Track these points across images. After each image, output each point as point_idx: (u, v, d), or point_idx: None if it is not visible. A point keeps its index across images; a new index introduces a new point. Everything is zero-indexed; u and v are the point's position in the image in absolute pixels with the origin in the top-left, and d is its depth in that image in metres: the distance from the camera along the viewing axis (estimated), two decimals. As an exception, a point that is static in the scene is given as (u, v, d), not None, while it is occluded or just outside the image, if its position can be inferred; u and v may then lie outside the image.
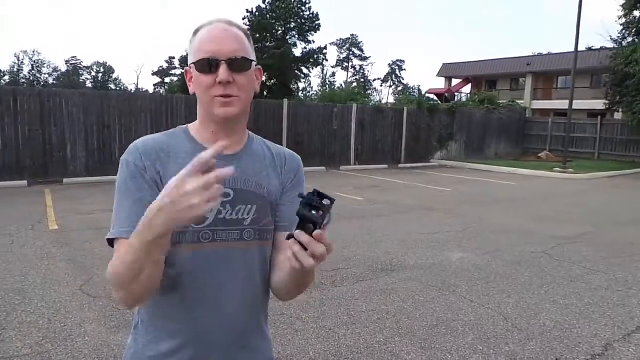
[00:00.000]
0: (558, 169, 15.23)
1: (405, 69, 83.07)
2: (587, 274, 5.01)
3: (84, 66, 71.22)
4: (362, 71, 66.50)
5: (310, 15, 36.50)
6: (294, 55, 35.30)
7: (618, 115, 22.06)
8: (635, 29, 19.41)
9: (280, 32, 35.85)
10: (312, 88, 47.05)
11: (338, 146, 15.69)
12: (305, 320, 3.72)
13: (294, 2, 35.67)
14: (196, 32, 1.04)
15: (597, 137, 20.47)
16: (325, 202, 0.82)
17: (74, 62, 69.86)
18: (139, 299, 0.95)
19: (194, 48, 1.02)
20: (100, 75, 71.81)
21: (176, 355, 1.03)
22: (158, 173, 1.00)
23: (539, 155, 20.01)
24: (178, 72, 57.25)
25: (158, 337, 1.04)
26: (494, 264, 5.28)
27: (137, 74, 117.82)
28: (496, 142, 20.53)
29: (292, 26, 36.26)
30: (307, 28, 36.55)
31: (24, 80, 61.37)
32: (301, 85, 40.91)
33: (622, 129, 19.88)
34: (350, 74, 66.01)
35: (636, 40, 19.28)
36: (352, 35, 66.16)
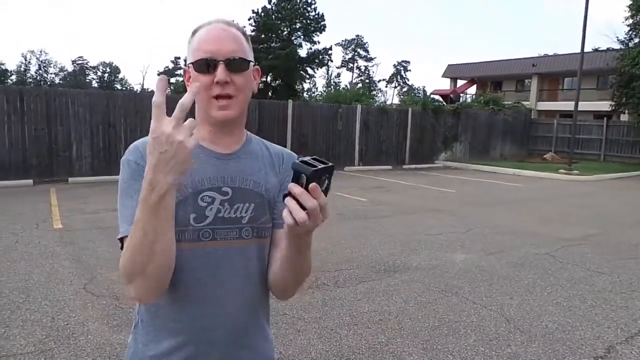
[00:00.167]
0: (563, 170, 15.16)
1: (410, 70, 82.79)
2: (590, 276, 4.99)
3: (90, 66, 71.59)
4: (367, 72, 66.49)
5: (316, 16, 36.53)
6: (299, 55, 35.32)
7: (624, 117, 21.92)
8: (642, 30, 19.30)
9: (285, 32, 35.89)
10: (317, 89, 47.12)
11: (342, 147, 15.69)
12: (307, 320, 3.73)
13: (300, 2, 35.71)
14: (195, 32, 1.05)
15: (602, 138, 20.36)
16: (317, 164, 0.83)
17: (80, 62, 70.24)
18: (156, 285, 0.92)
19: (192, 48, 1.03)
20: (106, 75, 72.12)
21: (176, 353, 1.04)
22: None
23: (544, 156, 19.92)
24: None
25: (158, 336, 1.05)
26: (497, 265, 5.27)
27: (142, 74, 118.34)
28: (501, 144, 20.46)
29: (297, 27, 36.30)
30: (312, 29, 36.58)
31: (30, 80, 61.75)
32: (306, 85, 40.93)
33: (628, 131, 19.77)
34: (355, 75, 66.01)
35: (643, 41, 19.16)
36: (358, 36, 66.34)
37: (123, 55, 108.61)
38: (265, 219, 1.08)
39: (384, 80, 69.43)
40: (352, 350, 3.27)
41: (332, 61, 39.53)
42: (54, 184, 10.42)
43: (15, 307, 3.79)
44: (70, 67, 69.58)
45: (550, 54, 30.15)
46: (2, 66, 58.86)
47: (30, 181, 10.40)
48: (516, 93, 30.78)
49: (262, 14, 34.94)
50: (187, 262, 0.99)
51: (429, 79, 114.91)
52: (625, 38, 19.80)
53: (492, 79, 33.16)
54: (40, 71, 65.70)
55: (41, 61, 65.87)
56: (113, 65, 72.63)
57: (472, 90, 33.63)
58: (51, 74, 66.67)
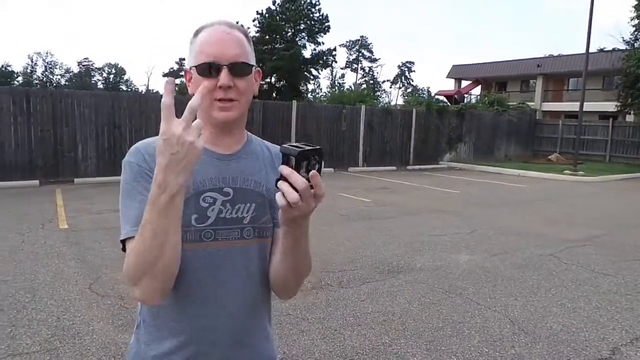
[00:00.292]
0: (568, 171, 15.10)
1: (414, 71, 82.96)
2: (595, 277, 4.97)
3: (96, 67, 71.92)
4: (371, 73, 66.43)
5: (320, 17, 36.55)
6: (304, 56, 35.35)
7: (630, 118, 21.81)
8: (647, 31, 19.21)
9: (289, 33, 35.93)
10: (321, 89, 47.09)
11: (346, 147, 15.69)
12: (311, 320, 3.74)
13: (304, 3, 35.75)
14: (197, 33, 1.05)
15: (608, 139, 20.26)
16: (305, 146, 0.85)
17: (86, 63, 70.58)
18: (162, 285, 0.92)
19: (195, 50, 1.03)
20: (111, 76, 72.45)
21: (178, 353, 1.04)
22: None
23: (549, 157, 19.85)
24: (188, 73, 57.45)
25: (160, 336, 1.05)
26: (501, 266, 5.26)
27: (147, 75, 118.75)
28: (506, 144, 20.40)
29: (301, 28, 36.34)
30: (316, 29, 36.61)
31: (37, 81, 62.12)
32: (310, 86, 40.95)
33: (633, 132, 19.67)
34: (359, 76, 65.98)
35: (649, 41, 19.08)
36: (362, 36, 66.29)
37: (128, 56, 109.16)
38: (266, 218, 1.09)
39: (388, 81, 69.40)
40: (356, 351, 3.28)
41: (336, 62, 39.58)
42: (60, 184, 10.48)
43: (22, 307, 3.82)
44: (76, 69, 69.99)
45: (555, 54, 30.03)
46: (8, 68, 59.24)
47: (37, 182, 10.46)
48: (521, 94, 30.67)
49: (267, 15, 34.99)
50: (189, 263, 1.00)
51: (434, 80, 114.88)
52: (630, 38, 19.73)
53: (497, 80, 33.06)
54: (46, 72, 66.09)
55: (47, 63, 66.28)
56: (118, 66, 73.00)
57: (477, 90, 33.55)
58: (57, 75, 67.09)
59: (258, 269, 1.09)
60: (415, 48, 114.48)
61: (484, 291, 4.48)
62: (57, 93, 11.54)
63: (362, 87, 45.94)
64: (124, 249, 0.99)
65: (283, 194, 0.83)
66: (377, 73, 70.01)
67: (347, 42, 64.45)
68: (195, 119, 0.84)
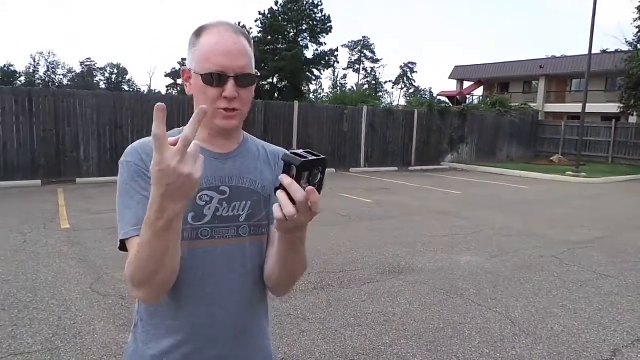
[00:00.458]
0: (570, 172, 15.06)
1: (416, 72, 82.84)
2: (597, 278, 4.96)
3: (98, 67, 72.13)
4: (373, 73, 66.47)
5: (322, 18, 36.61)
6: (306, 57, 35.40)
7: (633, 119, 21.78)
8: (650, 32, 19.17)
9: (292, 34, 35.99)
10: (323, 90, 47.11)
11: (348, 148, 15.69)
12: (312, 321, 3.74)
13: (306, 4, 35.79)
14: (199, 33, 1.03)
15: (611, 140, 20.22)
16: (309, 156, 0.82)
17: (88, 63, 70.77)
18: (163, 290, 0.96)
19: (199, 54, 1.01)
20: (113, 76, 72.62)
21: (176, 351, 1.05)
22: None
23: (551, 158, 19.81)
24: (190, 73, 57.51)
25: (158, 334, 1.06)
26: (502, 267, 5.25)
27: (150, 75, 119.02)
28: (508, 145, 20.37)
29: (303, 28, 36.39)
30: (318, 30, 36.66)
31: (39, 81, 62.29)
32: (312, 87, 40.98)
33: (636, 133, 19.62)
34: (361, 76, 66.01)
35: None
36: (364, 37, 66.27)
37: (130, 56, 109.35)
38: (261, 216, 1.09)
39: (390, 81, 69.50)
40: (357, 351, 3.28)
41: (338, 62, 39.66)
42: (62, 184, 10.50)
43: (23, 307, 3.83)
44: (78, 69, 70.20)
45: (558, 55, 29.95)
46: (11, 67, 59.45)
47: (39, 181, 10.48)
48: (523, 95, 30.63)
49: (269, 15, 35.04)
50: (186, 261, 1.00)
51: (436, 81, 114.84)
52: (633, 40, 19.72)
53: (499, 81, 33.02)
54: (49, 72, 66.30)
55: (50, 63, 66.49)
56: (120, 66, 73.18)
57: (479, 91, 33.51)
58: (59, 75, 67.29)
59: (254, 266, 1.10)
60: (418, 49, 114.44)
61: (485, 292, 4.47)
62: (59, 93, 11.55)
63: (364, 88, 45.94)
64: (120, 248, 1.00)
65: (280, 206, 0.82)
66: (379, 74, 69.97)
67: (349, 42, 64.59)
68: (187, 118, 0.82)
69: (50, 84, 61.93)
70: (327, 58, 36.92)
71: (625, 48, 20.04)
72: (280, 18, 34.99)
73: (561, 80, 30.10)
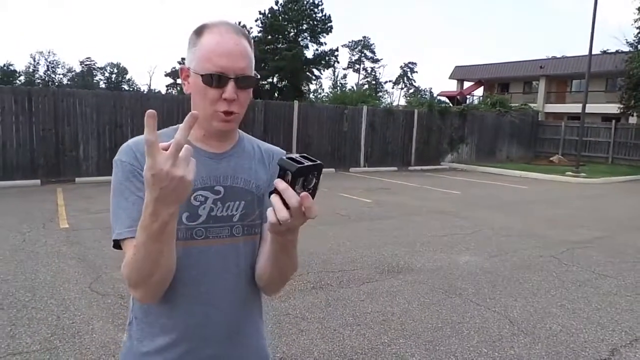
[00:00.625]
0: (570, 173, 15.07)
1: (417, 72, 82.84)
2: (596, 278, 4.96)
3: (98, 67, 72.14)
4: (373, 73, 66.47)
5: (322, 17, 36.60)
6: (306, 56, 35.40)
7: (633, 120, 21.79)
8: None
9: (292, 33, 36.00)
10: (323, 90, 47.11)
11: (348, 148, 15.69)
12: (310, 320, 3.74)
13: (307, 4, 35.79)
14: (199, 32, 1.02)
15: (610, 141, 20.22)
16: (306, 161, 0.82)
17: (88, 62, 70.78)
18: (159, 290, 0.97)
19: (200, 54, 1.00)
20: (113, 75, 72.62)
21: (170, 350, 1.05)
22: None
23: (551, 159, 19.81)
24: (190, 73, 57.58)
25: (152, 333, 1.06)
26: (501, 267, 5.25)
27: (150, 74, 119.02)
28: (508, 146, 20.37)
29: (304, 28, 36.39)
30: (319, 30, 36.66)
31: (39, 81, 62.28)
32: (312, 87, 40.97)
33: (636, 133, 19.63)
34: (361, 76, 66.01)
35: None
36: (364, 37, 66.30)
37: (130, 56, 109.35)
38: (254, 216, 1.10)
39: (390, 81, 69.53)
40: (355, 351, 3.28)
41: (338, 62, 39.67)
42: (61, 184, 10.50)
43: (22, 306, 3.83)
44: (78, 68, 70.20)
45: (559, 56, 29.97)
46: (10, 67, 59.45)
47: (38, 181, 10.48)
48: (523, 95, 30.63)
49: (269, 15, 35.03)
50: (180, 261, 1.00)
51: (436, 81, 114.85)
52: (634, 40, 19.73)
53: (500, 81, 33.03)
54: (49, 72, 66.29)
55: (49, 62, 66.48)
56: (120, 66, 73.16)
57: (479, 92, 33.53)
58: (59, 74, 67.29)
59: (248, 265, 1.10)
60: (418, 49, 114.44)
61: (484, 292, 4.47)
62: (59, 92, 11.54)
63: (364, 88, 45.95)
64: (114, 247, 1.01)
65: (274, 210, 0.82)
66: (379, 73, 70.03)
67: (349, 42, 64.59)
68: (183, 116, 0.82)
69: (50, 83, 61.93)
70: (327, 58, 36.93)
71: (626, 49, 20.04)
72: (280, 18, 35.00)
73: (561, 81, 30.11)
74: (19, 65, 75.66)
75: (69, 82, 64.98)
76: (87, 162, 11.32)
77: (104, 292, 4.19)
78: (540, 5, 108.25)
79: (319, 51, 36.71)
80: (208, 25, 1.02)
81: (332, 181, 11.98)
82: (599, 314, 4.03)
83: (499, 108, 20.12)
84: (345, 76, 62.38)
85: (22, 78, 60.99)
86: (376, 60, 65.92)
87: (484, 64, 32.75)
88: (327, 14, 36.25)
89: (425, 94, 58.17)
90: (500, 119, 19.91)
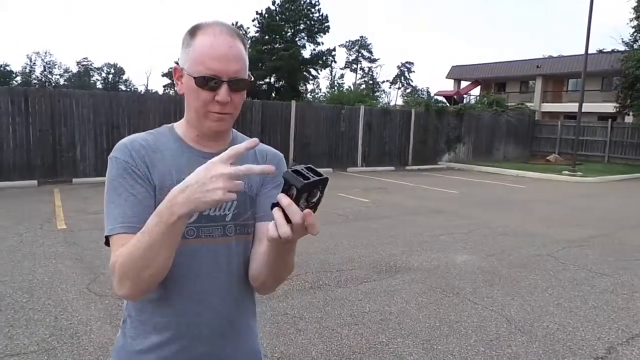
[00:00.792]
0: (567, 172, 15.12)
1: (414, 71, 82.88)
2: (592, 277, 4.99)
3: (95, 67, 71.99)
4: (370, 73, 66.49)
5: (320, 17, 36.60)
6: (303, 56, 35.39)
7: (629, 119, 21.87)
8: (646, 32, 19.24)
9: (289, 33, 35.97)
10: (320, 90, 47.15)
11: (345, 148, 15.70)
12: (308, 320, 3.74)
13: (304, 3, 35.77)
14: (193, 32, 1.01)
15: (607, 140, 20.31)
16: (311, 175, 0.81)
17: (85, 63, 70.61)
18: (145, 289, 0.97)
19: (194, 56, 1.00)
20: (110, 76, 72.47)
21: (163, 348, 1.06)
22: (147, 169, 1.02)
23: (548, 158, 19.89)
24: (187, 73, 57.56)
25: (145, 331, 1.07)
26: (499, 266, 5.27)
27: (147, 75, 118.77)
28: (504, 145, 20.43)
29: (301, 28, 36.38)
30: (316, 30, 36.66)
31: (35, 81, 62.11)
32: (309, 86, 41.00)
33: (632, 133, 19.72)
34: (358, 76, 66.03)
35: (647, 42, 19.11)
36: (361, 37, 66.26)
37: (127, 56, 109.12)
38: (247, 215, 1.10)
39: (387, 81, 69.55)
40: (353, 350, 3.29)
41: (335, 62, 39.64)
42: (58, 184, 10.47)
43: (19, 307, 3.83)
44: (74, 68, 70.02)
45: (555, 55, 30.04)
46: (7, 67, 59.23)
47: (35, 182, 10.45)
48: (520, 94, 30.71)
49: (266, 15, 35.01)
50: (173, 259, 1.00)
51: (433, 80, 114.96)
52: (630, 40, 19.78)
53: (496, 80, 33.09)
54: (45, 72, 66.11)
55: (46, 62, 66.28)
56: (117, 66, 73.03)
57: (476, 91, 33.60)
58: (56, 75, 67.14)
59: (240, 264, 1.11)
60: (415, 49, 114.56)
61: (481, 291, 4.49)
62: (55, 93, 11.50)
63: (361, 88, 45.98)
64: (106, 244, 1.01)
65: (275, 225, 0.81)
66: (377, 73, 70.10)
67: (346, 42, 64.58)
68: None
69: (46, 83, 61.75)
70: (324, 58, 36.92)
71: (622, 48, 20.11)
72: (277, 18, 34.97)
73: (558, 80, 30.19)
74: (16, 66, 75.47)
75: (65, 83, 64.84)
76: (84, 162, 11.30)
77: (101, 292, 4.19)
78: (536, 5, 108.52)
79: (316, 51, 36.72)
80: (202, 26, 1.02)
81: (330, 181, 11.90)
82: (596, 312, 4.05)
83: (495, 107, 20.17)
84: (342, 76, 62.44)
85: (18, 79, 60.81)
86: (373, 60, 65.97)
87: (480, 64, 32.82)
88: (324, 14, 36.30)
89: (423, 94, 58.23)
90: (497, 118, 19.96)
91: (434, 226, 7.25)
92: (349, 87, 46.19)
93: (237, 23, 36.24)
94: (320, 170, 0.84)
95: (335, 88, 42.40)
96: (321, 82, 69.95)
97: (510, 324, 3.76)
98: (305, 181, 0.79)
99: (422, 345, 3.38)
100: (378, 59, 75.43)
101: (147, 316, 1.07)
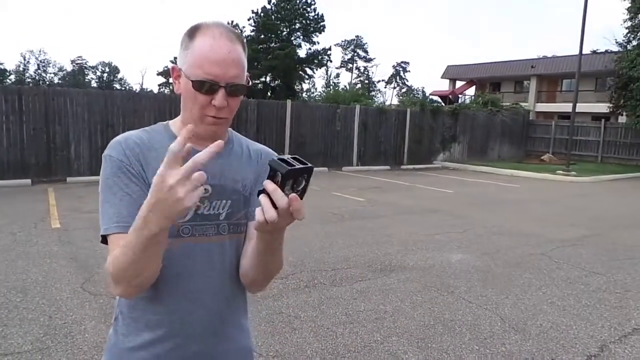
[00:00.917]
0: (561, 171, 15.20)
1: (409, 71, 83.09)
2: (585, 275, 5.02)
3: (89, 66, 71.64)
4: (366, 72, 66.53)
5: (315, 16, 36.56)
6: (299, 56, 35.35)
7: (622, 119, 22.01)
8: (640, 33, 19.36)
9: (285, 32, 35.92)
10: (315, 89, 47.14)
11: (341, 147, 15.71)
12: (304, 319, 3.75)
13: (299, 3, 35.74)
14: (192, 33, 1.01)
15: (600, 140, 20.44)
16: (297, 163, 0.82)
17: (79, 61, 70.25)
18: (139, 290, 0.98)
19: (192, 58, 0.99)
20: (105, 75, 72.14)
21: (155, 346, 1.06)
22: (142, 167, 1.02)
23: (542, 157, 19.98)
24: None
25: (137, 328, 1.07)
26: (493, 265, 5.29)
27: (142, 74, 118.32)
28: (499, 145, 20.51)
29: (296, 27, 36.34)
30: (311, 29, 36.62)
31: (29, 80, 61.72)
32: (305, 86, 40.97)
33: (625, 133, 19.85)
34: (354, 75, 66.04)
35: (641, 43, 19.22)
36: (357, 36, 66.34)
37: (122, 55, 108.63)
38: (241, 215, 1.11)
39: (383, 80, 69.55)
40: (348, 349, 3.30)
41: (331, 61, 39.64)
42: (52, 183, 10.42)
43: (13, 307, 3.81)
44: (69, 67, 69.64)
45: (549, 55, 30.18)
46: (0, 66, 58.81)
47: (29, 181, 10.40)
48: (515, 94, 30.84)
49: (262, 14, 34.94)
50: (166, 258, 1.00)
51: (428, 80, 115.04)
52: (623, 40, 19.88)
53: (491, 80, 33.22)
54: (39, 71, 65.71)
55: (40, 61, 65.89)
56: (112, 65, 72.69)
57: (471, 91, 33.69)
58: (50, 73, 66.74)
59: (233, 263, 1.11)
60: (411, 48, 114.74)
61: (476, 289, 4.51)
62: (49, 91, 11.43)
63: (356, 87, 46.00)
64: (102, 241, 1.02)
65: (262, 210, 0.83)
66: (372, 73, 70.20)
67: (342, 41, 64.57)
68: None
69: (40, 82, 61.38)
70: (320, 57, 36.90)
71: (615, 49, 20.23)
72: (273, 17, 34.91)
73: (552, 80, 30.34)
74: (9, 64, 75.05)
75: (59, 81, 64.46)
76: (78, 161, 11.25)
77: (96, 292, 4.18)
78: (531, 6, 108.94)
79: (312, 50, 36.68)
80: (201, 27, 1.00)
81: (325, 180, 11.99)
82: (589, 310, 4.08)
83: (490, 107, 20.24)
84: (338, 75, 62.37)
85: (12, 77, 60.40)
86: (369, 60, 66.01)
87: (475, 64, 32.93)
88: (320, 13, 36.23)
89: (418, 94, 58.37)
90: (492, 118, 20.03)
91: (429, 225, 7.27)
92: (345, 86, 46.20)
93: (232, 22, 36.17)
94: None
95: (331, 87, 42.39)
96: (317, 82, 69.88)
97: (504, 322, 3.78)
98: (290, 167, 0.81)
99: (416, 343, 3.40)
100: (374, 58, 75.55)
101: (139, 313, 1.07)
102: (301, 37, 36.35)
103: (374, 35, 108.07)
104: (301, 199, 0.84)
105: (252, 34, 34.78)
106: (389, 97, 66.91)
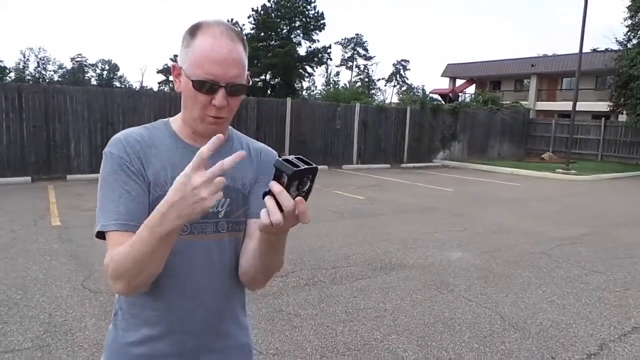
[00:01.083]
0: (561, 170, 15.20)
1: (409, 69, 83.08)
2: (585, 274, 5.03)
3: (89, 63, 71.55)
4: (366, 71, 66.48)
5: (315, 14, 36.50)
6: (299, 54, 35.30)
7: (622, 117, 22.00)
8: (640, 31, 19.34)
9: (284, 30, 35.86)
10: (315, 87, 47.11)
11: (341, 145, 15.71)
12: (304, 317, 3.75)
13: (299, 0, 35.66)
14: (194, 32, 1.00)
15: (600, 138, 20.43)
16: (302, 164, 0.82)
17: (79, 59, 70.15)
18: (139, 288, 0.99)
19: (193, 57, 0.99)
20: (105, 72, 72.06)
21: (154, 342, 1.07)
22: (142, 165, 1.03)
23: (542, 156, 19.98)
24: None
25: (136, 323, 1.08)
26: (493, 263, 5.30)
27: (142, 71, 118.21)
28: (499, 143, 20.51)
29: (296, 25, 36.27)
30: (311, 27, 36.55)
31: (29, 77, 61.66)
32: (305, 84, 40.93)
33: (625, 131, 19.85)
34: (354, 74, 65.99)
35: (641, 42, 19.20)
36: (357, 34, 66.11)
37: (122, 53, 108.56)
38: (240, 213, 1.11)
39: (383, 79, 69.50)
40: (348, 347, 3.30)
41: (331, 60, 39.60)
42: (52, 181, 10.42)
43: (13, 304, 3.81)
44: (69, 65, 69.57)
45: (550, 54, 30.19)
46: (0, 63, 58.75)
47: (29, 178, 10.40)
48: (515, 93, 30.83)
49: (262, 12, 34.89)
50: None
51: (428, 78, 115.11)
52: (623, 39, 19.86)
53: (491, 79, 33.19)
54: (39, 68, 65.65)
55: (40, 58, 65.82)
56: (112, 62, 72.63)
57: (471, 89, 33.68)
58: (50, 71, 66.70)
59: (231, 261, 1.12)
60: (411, 46, 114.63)
61: (475, 288, 4.51)
62: (49, 89, 11.42)
63: (357, 85, 45.96)
64: (97, 236, 1.01)
65: (267, 212, 0.83)
66: (372, 71, 70.13)
67: (342, 39, 64.49)
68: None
69: (40, 80, 61.32)
70: (320, 55, 36.85)
71: (615, 47, 20.21)
72: (273, 15, 34.85)
73: (552, 79, 30.32)
74: (9, 62, 74.96)
75: (59, 79, 64.35)
76: (78, 159, 11.25)
77: (96, 289, 4.18)
78: (532, 4, 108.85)
79: (312, 48, 36.63)
80: (202, 26, 1.00)
81: (325, 178, 11.99)
82: (588, 309, 4.08)
83: (490, 106, 20.24)
84: (338, 73, 62.44)
85: (12, 75, 60.35)
86: (369, 58, 65.93)
87: (476, 62, 32.90)
88: (320, 11, 36.17)
89: (418, 92, 58.38)
90: (492, 116, 20.03)
91: (428, 223, 7.27)
92: (345, 84, 46.18)
93: (232, 20, 36.12)
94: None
95: (331, 85, 42.39)
96: (317, 80, 69.96)
97: (504, 321, 3.78)
98: (296, 168, 0.81)
99: (416, 341, 3.40)
100: (374, 56, 75.55)
101: (138, 310, 1.08)
102: (301, 35, 36.30)
103: (374, 34, 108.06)
104: (306, 200, 0.84)
105: (252, 31, 34.73)
106: (389, 95, 66.94)
